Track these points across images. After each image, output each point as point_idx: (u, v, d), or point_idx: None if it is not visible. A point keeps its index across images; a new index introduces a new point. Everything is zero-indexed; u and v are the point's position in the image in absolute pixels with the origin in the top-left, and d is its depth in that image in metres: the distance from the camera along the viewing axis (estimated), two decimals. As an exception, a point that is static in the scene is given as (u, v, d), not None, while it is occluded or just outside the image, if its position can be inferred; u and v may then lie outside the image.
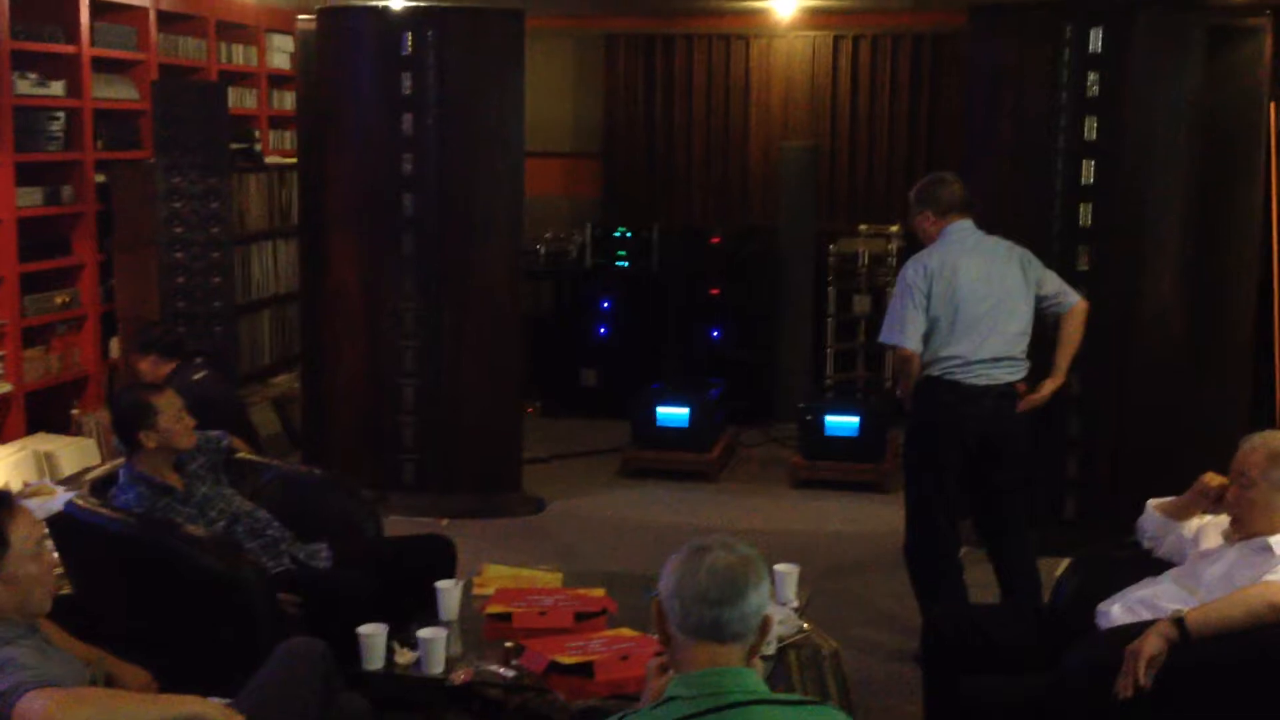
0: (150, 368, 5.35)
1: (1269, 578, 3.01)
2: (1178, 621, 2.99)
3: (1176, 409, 5.71)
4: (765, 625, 2.22)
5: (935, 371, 4.40)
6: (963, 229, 4.47)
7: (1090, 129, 5.54)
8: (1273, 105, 5.97)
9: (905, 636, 4.68)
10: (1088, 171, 5.57)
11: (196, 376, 5.27)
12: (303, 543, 4.03)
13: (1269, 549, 3.10)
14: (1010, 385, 4.44)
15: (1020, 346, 4.45)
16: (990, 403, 4.39)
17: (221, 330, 6.50)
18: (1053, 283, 4.53)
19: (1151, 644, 2.96)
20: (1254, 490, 3.18)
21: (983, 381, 4.38)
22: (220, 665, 3.26)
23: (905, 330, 4.36)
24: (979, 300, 4.36)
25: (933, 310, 4.35)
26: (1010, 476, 4.53)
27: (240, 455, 4.30)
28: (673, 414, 6.89)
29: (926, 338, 4.39)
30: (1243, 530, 3.22)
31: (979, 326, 4.36)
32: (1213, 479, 3.39)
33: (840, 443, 6.73)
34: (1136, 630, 3.06)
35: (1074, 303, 4.52)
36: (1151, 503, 3.56)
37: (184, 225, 6.36)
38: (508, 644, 3.40)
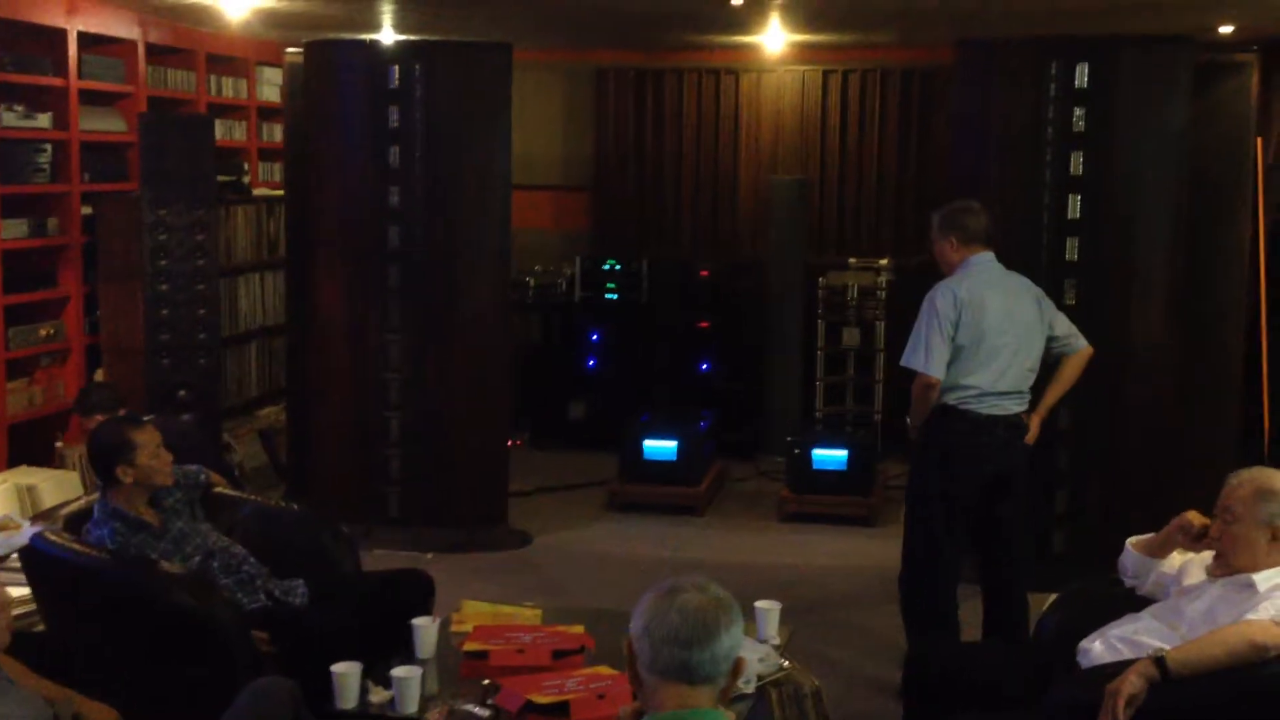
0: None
1: (1250, 616, 2.98)
2: (1158, 660, 2.96)
3: (1165, 444, 5.69)
4: (737, 667, 2.18)
5: (950, 400, 4.38)
6: (987, 261, 4.47)
7: (1077, 164, 5.54)
8: (1259, 141, 5.98)
9: (893, 671, 4.62)
10: (1074, 206, 5.57)
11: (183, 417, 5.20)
12: (279, 579, 3.99)
13: (1252, 585, 3.07)
14: (1018, 417, 4.45)
15: (1030, 381, 4.47)
16: (1002, 433, 4.40)
17: (206, 363, 6.46)
18: (1063, 324, 4.55)
19: (1131, 683, 2.93)
20: (1238, 526, 3.16)
21: (995, 412, 4.39)
22: (193, 705, 3.22)
23: (931, 357, 4.33)
24: (1001, 333, 4.37)
25: (958, 340, 4.34)
26: (1014, 508, 4.53)
27: (217, 490, 4.26)
28: (661, 447, 6.86)
29: (947, 366, 4.37)
30: (1226, 567, 3.19)
31: (998, 359, 4.37)
32: (1194, 517, 3.36)
33: (828, 476, 6.70)
34: (1116, 669, 3.03)
35: (1081, 346, 4.55)
36: (1131, 541, 3.53)
37: (170, 258, 6.33)
38: (484, 682, 3.35)
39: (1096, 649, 3.21)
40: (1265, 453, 5.87)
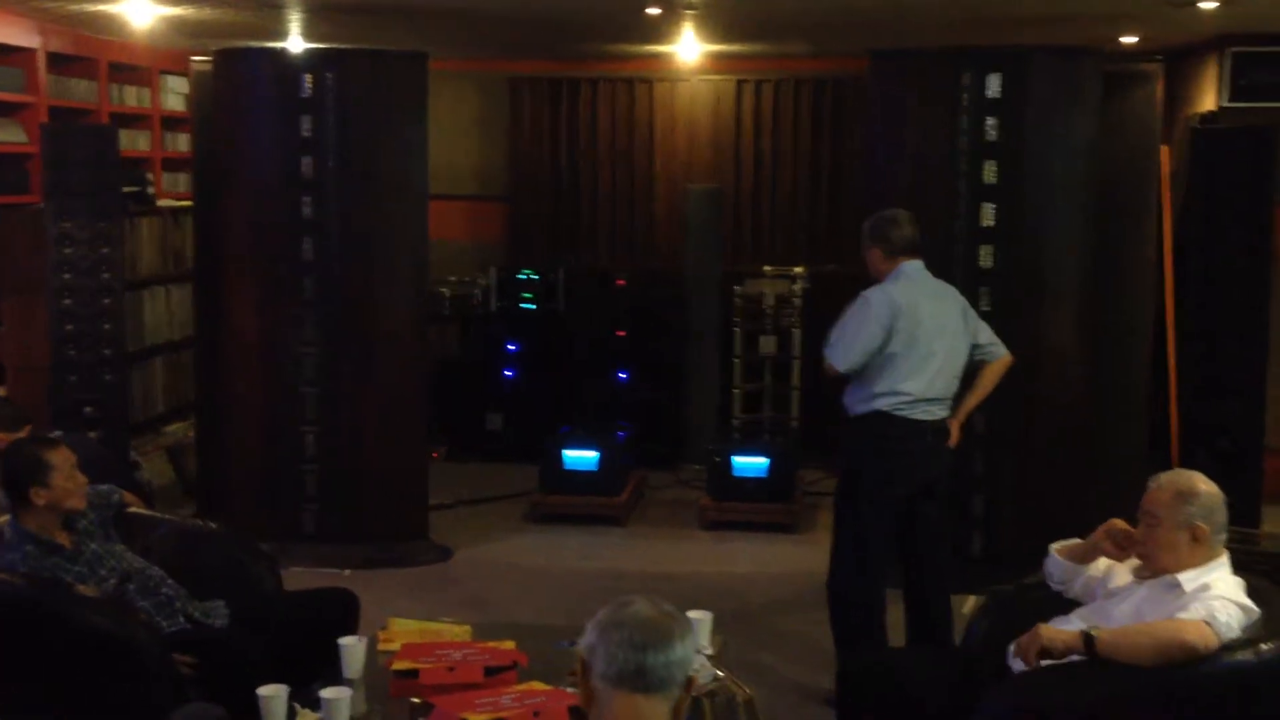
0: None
1: (1180, 615, 3.03)
2: (1087, 637, 3.04)
3: (1077, 447, 5.80)
4: (690, 683, 2.16)
5: (883, 406, 4.42)
6: (918, 269, 4.52)
7: (990, 173, 5.62)
8: (1165, 149, 6.12)
9: (821, 677, 4.65)
10: (987, 214, 5.65)
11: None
12: (198, 600, 3.89)
13: (1178, 585, 3.12)
14: (944, 422, 4.52)
15: (955, 387, 4.55)
16: (930, 438, 4.46)
17: (113, 379, 6.30)
18: (986, 333, 4.62)
19: (1056, 641, 3.05)
20: (1159, 529, 3.21)
21: (926, 418, 4.45)
22: (113, 732, 3.11)
23: (850, 355, 4.39)
24: (933, 339, 4.43)
25: (891, 345, 4.38)
26: (937, 512, 4.60)
27: (132, 510, 4.14)
28: (581, 457, 6.83)
29: (879, 371, 4.41)
30: (1151, 568, 3.25)
31: (931, 365, 4.42)
32: (1120, 525, 3.40)
33: (749, 483, 6.72)
34: (1046, 674, 3.07)
35: (1002, 354, 4.62)
36: (1054, 547, 3.56)
37: (74, 271, 6.16)
38: (415, 701, 3.29)
39: None
40: (1173, 456, 6.00)
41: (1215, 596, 3.05)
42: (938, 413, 4.49)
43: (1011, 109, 5.59)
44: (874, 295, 4.45)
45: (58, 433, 4.86)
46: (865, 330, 4.38)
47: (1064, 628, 3.27)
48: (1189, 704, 2.98)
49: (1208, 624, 2.97)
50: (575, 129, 8.80)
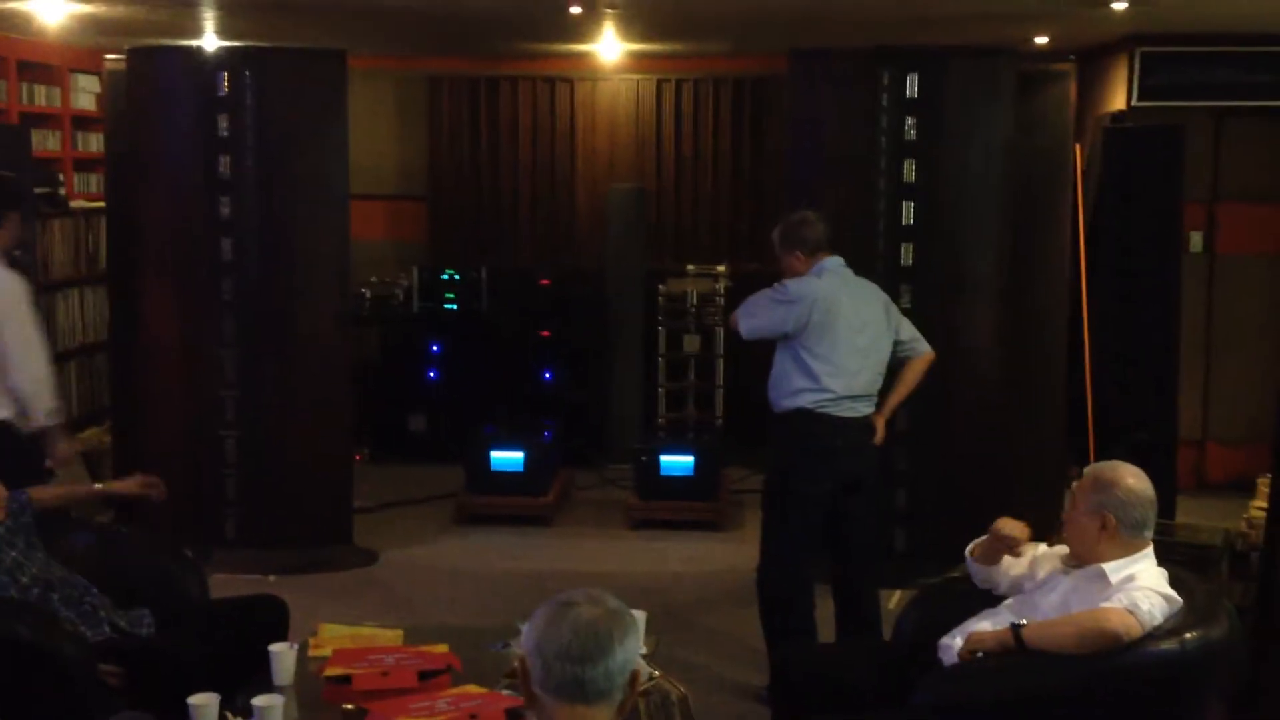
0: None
1: (1104, 604, 3.09)
2: (1014, 628, 3.11)
3: (996, 441, 5.90)
4: (634, 680, 2.16)
5: (806, 404, 4.46)
6: (838, 265, 4.57)
7: (909, 171, 5.70)
8: (1077, 147, 6.25)
9: (753, 674, 4.69)
10: (907, 213, 5.73)
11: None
12: (123, 609, 3.81)
13: (1103, 576, 3.17)
14: (869, 419, 4.56)
15: (879, 385, 4.60)
16: (855, 435, 4.50)
17: (26, 384, 6.13)
18: (908, 329, 4.68)
19: (987, 637, 3.14)
20: (1074, 513, 3.26)
21: (850, 415, 4.49)
22: (37, 746, 3.05)
23: (755, 327, 4.50)
24: (855, 336, 4.47)
25: (807, 339, 4.42)
26: (864, 508, 4.64)
27: (39, 502, 3.96)
28: (507, 458, 6.80)
29: (800, 367, 4.44)
30: (1074, 556, 3.30)
31: (852, 362, 4.47)
32: (1006, 525, 3.42)
33: (675, 482, 6.75)
34: (978, 667, 3.12)
35: (925, 350, 4.69)
36: (968, 550, 3.59)
37: (-16, 274, 5.99)
38: (348, 707, 3.26)
39: (957, 644, 3.30)
40: (1091, 447, 6.13)
41: (1138, 587, 3.11)
42: (862, 409, 4.54)
43: (930, 108, 5.67)
44: (793, 284, 4.49)
45: None
46: (776, 313, 4.45)
47: (993, 620, 3.33)
48: (1114, 693, 3.04)
49: (1130, 612, 3.03)
50: (496, 128, 8.77)
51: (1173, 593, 3.14)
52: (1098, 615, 3.06)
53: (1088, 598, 3.16)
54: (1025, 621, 3.15)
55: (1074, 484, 3.35)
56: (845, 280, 4.55)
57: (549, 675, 2.10)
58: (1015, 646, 3.11)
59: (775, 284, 4.55)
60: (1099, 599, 3.12)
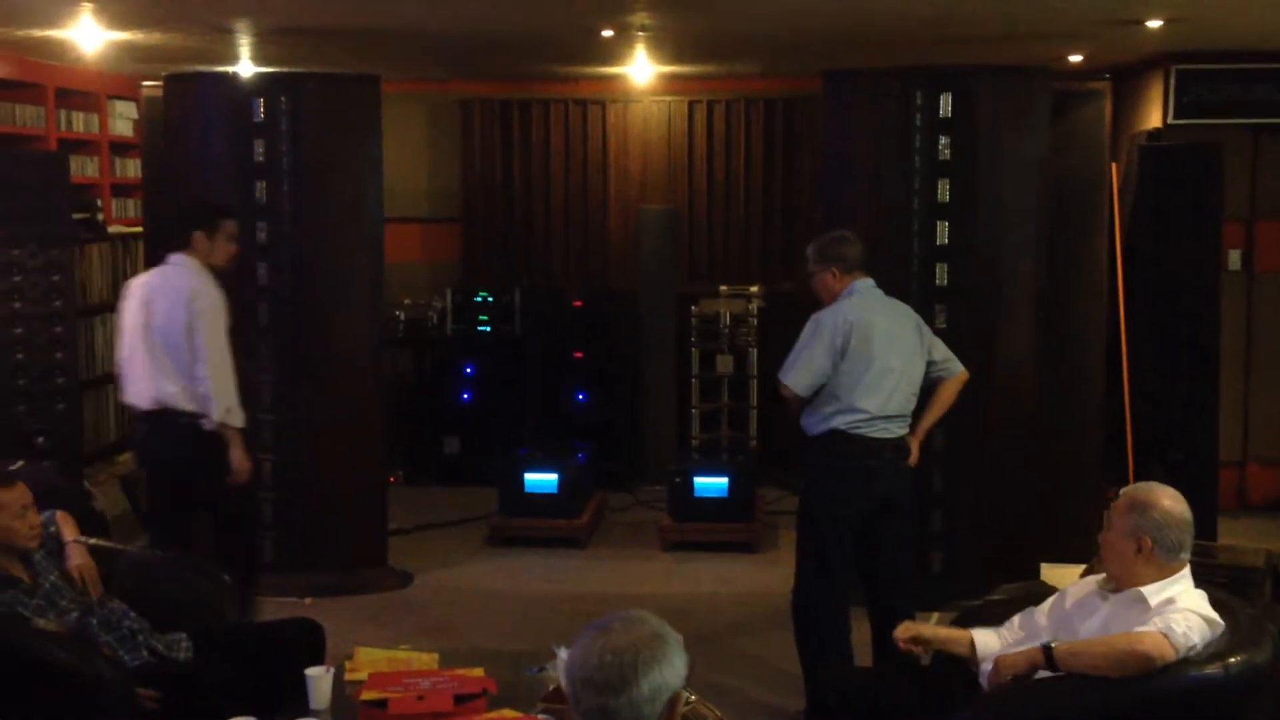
0: None
1: (1140, 628, 3.06)
2: (1046, 649, 3.09)
3: (1033, 462, 5.84)
4: (674, 703, 2.13)
5: (840, 425, 4.43)
6: (870, 286, 4.55)
7: (943, 191, 5.67)
8: (1113, 166, 6.21)
9: (789, 698, 4.66)
10: (942, 233, 5.70)
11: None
12: (160, 633, 3.83)
13: (1143, 600, 3.14)
14: (902, 439, 4.53)
15: (913, 405, 4.56)
16: (889, 456, 4.47)
17: (65, 407, 6.21)
18: (941, 349, 4.65)
19: (1020, 661, 3.12)
20: (1110, 534, 3.24)
21: (883, 436, 4.46)
22: (76, 770, 3.06)
23: (804, 375, 4.41)
24: (889, 356, 4.44)
25: (845, 364, 4.39)
26: (899, 529, 4.61)
27: (94, 542, 4.06)
28: (541, 480, 6.80)
29: (834, 389, 4.42)
30: (1113, 580, 3.27)
31: (886, 382, 4.44)
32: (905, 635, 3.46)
33: (709, 503, 6.73)
34: (1014, 691, 3.10)
35: (958, 371, 4.65)
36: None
37: (24, 300, 6.08)
38: (384, 731, 3.26)
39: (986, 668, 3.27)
40: (1129, 469, 6.07)
41: (1178, 609, 3.07)
42: (895, 430, 4.50)
43: (963, 128, 5.64)
44: (825, 316, 4.47)
45: (20, 463, 4.82)
46: (818, 353, 4.40)
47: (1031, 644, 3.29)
48: (1157, 718, 3.00)
49: (1165, 635, 2.99)
50: (528, 150, 8.80)
51: (1214, 614, 3.10)
52: (1131, 638, 3.03)
53: (1126, 622, 3.12)
54: (1055, 643, 3.12)
55: (1111, 505, 3.32)
56: (876, 301, 4.54)
57: (579, 702, 2.10)
58: (1046, 666, 3.08)
59: (803, 330, 4.52)
60: (1137, 623, 3.08)
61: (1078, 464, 6.09)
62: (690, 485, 6.72)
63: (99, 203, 7.55)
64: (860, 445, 4.44)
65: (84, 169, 7.61)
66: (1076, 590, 3.38)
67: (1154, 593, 3.14)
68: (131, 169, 8.08)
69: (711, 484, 6.73)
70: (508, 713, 3.31)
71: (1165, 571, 3.15)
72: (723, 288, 8.02)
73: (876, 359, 4.41)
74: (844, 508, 4.49)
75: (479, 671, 3.58)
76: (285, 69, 7.42)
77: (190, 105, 6.10)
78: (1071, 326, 6.06)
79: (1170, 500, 3.19)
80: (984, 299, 5.73)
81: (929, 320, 5.57)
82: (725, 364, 7.77)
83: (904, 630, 3.39)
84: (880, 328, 4.45)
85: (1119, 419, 6.20)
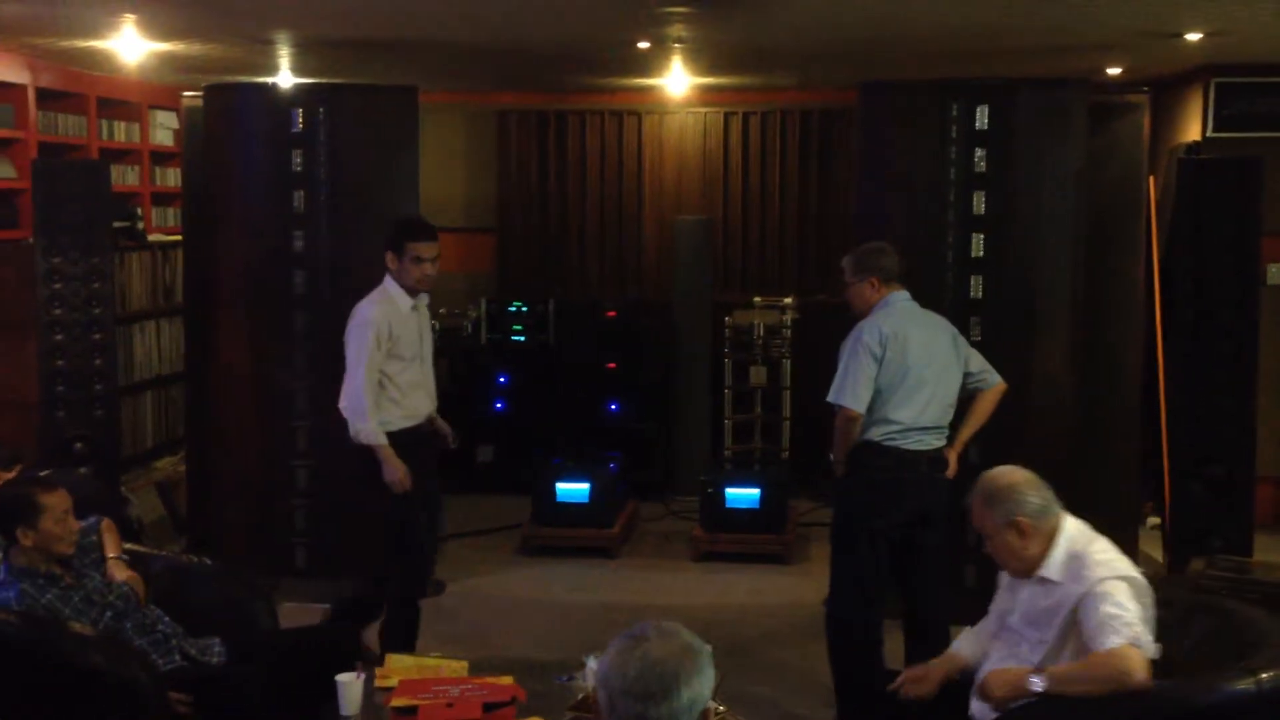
0: None
1: (1110, 644, 3.06)
2: (1033, 684, 3.14)
3: (1068, 476, 5.75)
4: (706, 715, 2.14)
5: (875, 436, 4.44)
6: (905, 298, 4.56)
7: (979, 203, 5.65)
8: (1151, 179, 6.16)
9: (820, 709, 4.65)
10: (977, 245, 5.67)
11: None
12: (194, 637, 3.86)
13: (1048, 580, 3.23)
14: (939, 452, 4.53)
15: (949, 417, 4.56)
16: (925, 468, 4.47)
17: (103, 413, 6.28)
18: (977, 360, 4.64)
19: (1009, 695, 3.18)
20: (991, 541, 3.32)
21: (919, 448, 4.46)
22: (108, 773, 3.09)
23: (857, 393, 4.40)
24: (924, 368, 4.45)
25: (882, 376, 4.40)
26: (935, 542, 4.60)
27: (129, 548, 4.11)
28: (573, 489, 6.81)
29: (870, 402, 4.42)
30: (1016, 574, 3.35)
31: (922, 393, 4.44)
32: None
33: (741, 514, 6.71)
34: (1047, 701, 3.10)
35: (996, 382, 4.64)
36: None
37: (64, 307, 6.16)
38: (414, 738, 3.28)
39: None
40: (1165, 484, 6.02)
41: (1115, 602, 3.10)
42: (932, 442, 4.50)
43: (1000, 140, 5.62)
44: (863, 330, 4.48)
45: (47, 472, 4.84)
46: (866, 366, 4.39)
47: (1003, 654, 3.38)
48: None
49: (1134, 646, 3.04)
50: (564, 161, 8.83)
51: (1127, 567, 3.18)
52: (1111, 666, 3.06)
53: (1047, 600, 3.20)
54: (1040, 682, 3.15)
55: (970, 521, 3.38)
56: (913, 313, 4.54)
57: (614, 710, 2.10)
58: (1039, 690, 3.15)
59: (842, 348, 4.51)
60: (1062, 601, 3.15)
61: (1114, 478, 6.04)
62: (722, 496, 6.72)
63: (139, 211, 7.64)
64: (895, 457, 4.43)
65: (124, 178, 7.71)
66: (1001, 589, 3.47)
67: (1053, 568, 3.22)
68: (171, 178, 8.17)
69: (744, 495, 6.72)
70: (537, 721, 3.32)
71: (1050, 534, 3.24)
72: (757, 299, 8.01)
73: (912, 370, 4.41)
74: (880, 520, 4.48)
75: (508, 679, 3.59)
76: (324, 80, 7.49)
77: (230, 115, 6.16)
78: (1108, 340, 6.01)
79: (1008, 474, 3.32)
80: (1020, 311, 5.70)
81: (964, 332, 5.55)
82: (759, 375, 7.75)
83: (904, 684, 3.44)
84: (917, 339, 4.45)
85: (1155, 433, 6.15)
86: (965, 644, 3.47)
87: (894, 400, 4.40)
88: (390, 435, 4.78)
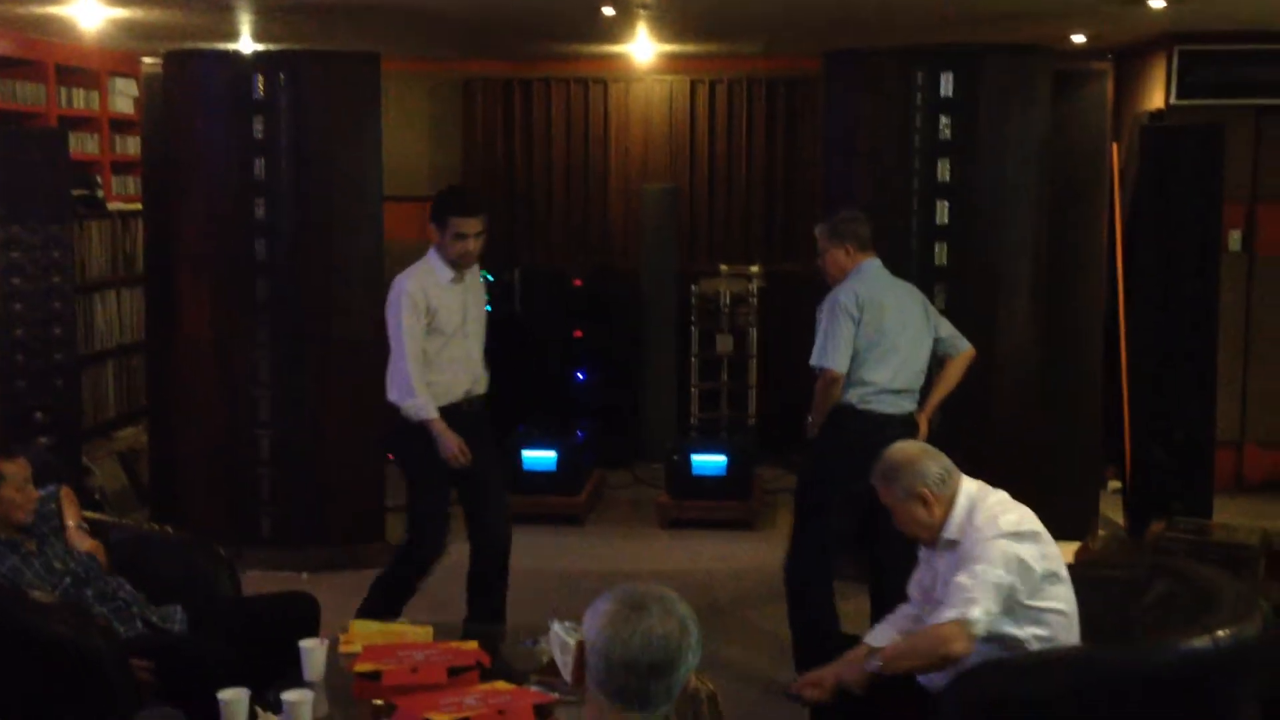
0: None
1: (943, 617, 3.12)
2: (871, 666, 3.23)
3: (1031, 442, 5.84)
4: (686, 685, 2.13)
5: (851, 399, 4.51)
6: (878, 266, 4.64)
7: (943, 171, 5.66)
8: (1115, 147, 6.19)
9: (781, 669, 4.68)
10: (942, 212, 5.69)
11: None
12: (155, 605, 3.84)
13: (954, 541, 3.27)
14: (911, 415, 4.60)
15: (920, 381, 4.63)
16: (896, 430, 4.48)
17: (64, 383, 6.22)
18: (946, 327, 4.72)
19: (861, 681, 3.24)
20: (897, 515, 3.36)
21: (892, 410, 4.53)
22: (70, 740, 3.07)
23: (839, 354, 4.47)
24: (898, 334, 4.52)
25: (860, 338, 4.47)
26: None
27: (90, 515, 4.08)
28: (540, 457, 6.81)
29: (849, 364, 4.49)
30: (925, 543, 3.39)
31: (896, 356, 4.52)
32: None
33: (708, 482, 6.73)
34: (1004, 666, 3.13)
35: (965, 348, 4.71)
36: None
37: (23, 276, 6.08)
38: (377, 703, 3.27)
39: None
40: (1126, 449, 6.07)
41: (970, 573, 3.13)
42: (905, 405, 4.57)
43: (964, 108, 5.63)
44: (839, 294, 4.54)
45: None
46: (845, 328, 4.47)
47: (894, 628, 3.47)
48: (1144, 690, 3.02)
49: (961, 623, 3.07)
50: (529, 129, 8.78)
51: (1015, 521, 3.20)
52: (934, 639, 3.13)
53: (961, 564, 3.22)
54: (875, 661, 3.23)
55: (879, 498, 3.41)
56: (885, 280, 4.62)
57: (610, 679, 2.07)
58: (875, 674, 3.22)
59: (818, 313, 4.55)
60: (969, 558, 3.17)
61: (1076, 442, 6.10)
62: (689, 463, 6.73)
63: (99, 180, 7.55)
64: (868, 420, 4.49)
65: (84, 146, 7.61)
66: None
67: (954, 527, 3.27)
68: (131, 146, 8.07)
69: (710, 462, 6.74)
70: (500, 684, 3.33)
71: (950, 498, 3.29)
72: (723, 267, 8.02)
73: (886, 335, 4.50)
74: (853, 482, 4.50)
75: (473, 645, 3.59)
76: (285, 46, 7.41)
77: (190, 82, 6.09)
78: (1071, 306, 6.05)
79: (894, 454, 3.37)
80: (984, 279, 5.73)
81: (929, 299, 5.59)
82: (725, 343, 7.77)
83: (802, 688, 3.42)
84: (891, 305, 4.53)
85: (1118, 399, 6.20)
86: (879, 636, 3.48)
87: (869, 362, 4.49)
88: None
